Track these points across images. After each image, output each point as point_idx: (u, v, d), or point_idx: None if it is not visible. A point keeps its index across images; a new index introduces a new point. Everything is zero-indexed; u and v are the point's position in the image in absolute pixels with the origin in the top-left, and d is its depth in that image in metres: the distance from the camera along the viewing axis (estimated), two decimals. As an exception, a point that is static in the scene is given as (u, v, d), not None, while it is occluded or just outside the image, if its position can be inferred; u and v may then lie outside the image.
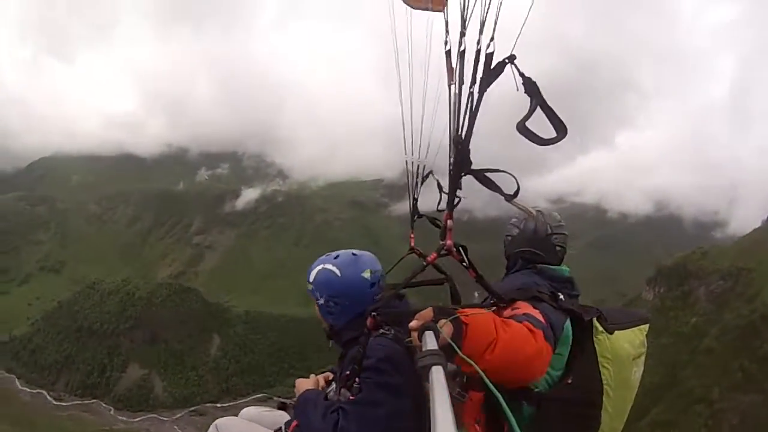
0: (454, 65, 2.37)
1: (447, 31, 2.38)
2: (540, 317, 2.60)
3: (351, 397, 2.91)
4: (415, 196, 4.59)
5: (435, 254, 2.65)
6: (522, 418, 2.76)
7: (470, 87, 2.24)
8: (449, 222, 2.55)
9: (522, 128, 2.12)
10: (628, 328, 3.17)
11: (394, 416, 2.91)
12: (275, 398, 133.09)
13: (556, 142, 2.15)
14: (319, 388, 3.33)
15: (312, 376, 3.47)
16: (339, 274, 3.27)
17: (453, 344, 2.09)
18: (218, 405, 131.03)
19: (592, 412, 2.93)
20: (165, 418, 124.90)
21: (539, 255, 3.52)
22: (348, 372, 2.97)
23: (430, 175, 4.37)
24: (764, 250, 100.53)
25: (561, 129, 2.15)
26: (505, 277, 3.60)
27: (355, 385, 2.92)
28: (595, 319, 3.00)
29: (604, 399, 2.93)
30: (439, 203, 4.03)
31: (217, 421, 3.58)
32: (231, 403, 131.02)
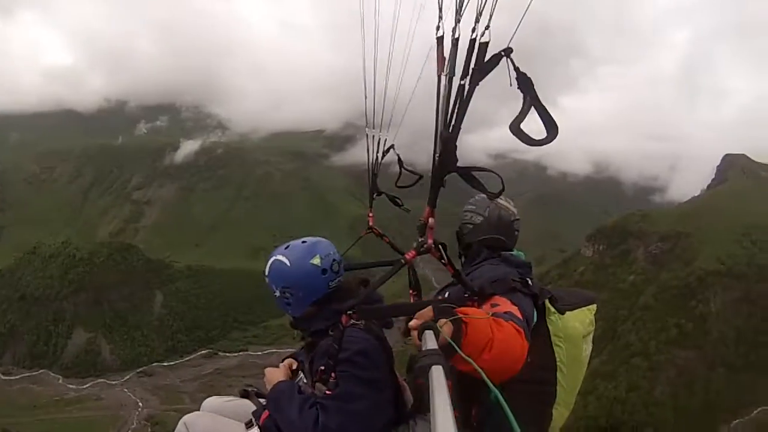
0: (446, 54, 2.19)
1: (440, 16, 2.20)
2: (519, 314, 2.68)
3: (328, 392, 2.91)
4: (375, 172, 4.47)
5: (414, 252, 2.60)
6: (489, 401, 2.79)
7: (461, 79, 2.10)
8: (431, 220, 2.50)
9: (515, 129, 2.05)
10: (578, 308, 3.29)
11: (373, 409, 2.97)
12: (220, 353, 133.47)
13: (548, 142, 2.08)
14: (288, 378, 3.28)
15: (281, 365, 3.42)
16: (288, 264, 3.19)
17: (453, 344, 2.07)
18: (165, 364, 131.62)
19: (548, 389, 3.10)
20: (114, 381, 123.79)
21: (503, 241, 3.59)
22: (323, 366, 2.95)
23: (391, 150, 4.35)
24: (703, 217, 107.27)
25: (552, 127, 2.08)
26: (471, 268, 3.49)
27: (331, 380, 2.91)
28: (547, 301, 3.14)
29: (558, 376, 3.10)
30: (398, 180, 4.22)
31: (185, 419, 3.44)
32: (178, 361, 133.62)
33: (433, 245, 2.57)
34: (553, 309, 3.13)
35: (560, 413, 3.19)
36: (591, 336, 3.37)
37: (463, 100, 2.12)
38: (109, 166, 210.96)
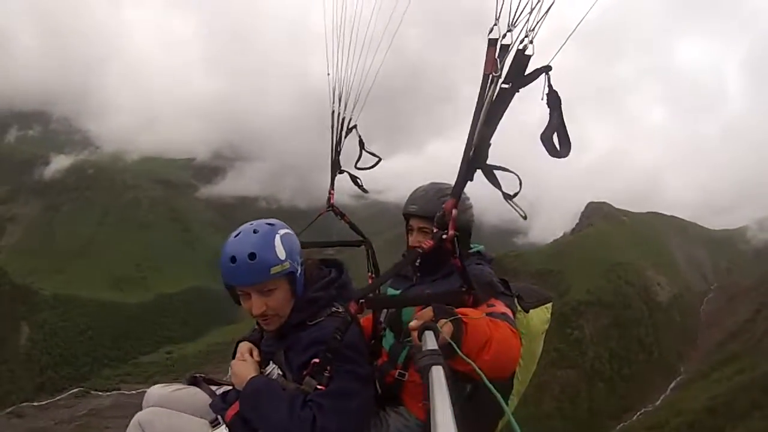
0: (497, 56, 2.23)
1: (497, 18, 2.19)
2: (511, 315, 2.89)
3: (319, 387, 2.66)
4: (338, 149, 4.36)
5: (432, 242, 2.54)
6: (462, 396, 2.85)
7: (503, 82, 2.19)
8: (454, 212, 2.46)
9: (547, 138, 2.20)
10: (538, 306, 3.39)
11: (366, 406, 2.85)
12: (92, 392, 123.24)
13: (563, 156, 2.21)
14: (259, 371, 2.94)
15: (248, 357, 3.08)
16: (291, 232, 2.95)
17: (453, 344, 2.13)
18: (35, 404, 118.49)
19: (508, 382, 3.18)
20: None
21: (469, 237, 3.60)
22: (317, 359, 2.68)
23: (354, 130, 4.29)
24: (572, 256, 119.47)
25: (566, 145, 2.21)
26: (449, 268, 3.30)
27: (325, 374, 2.67)
28: (515, 299, 3.24)
29: (516, 369, 3.06)
30: (358, 160, 4.20)
31: (139, 418, 3.06)
32: (49, 401, 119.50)
33: (453, 237, 2.52)
34: (519, 307, 3.21)
35: (513, 402, 3.31)
36: (544, 333, 3.49)
37: (503, 102, 2.21)
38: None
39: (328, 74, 4.19)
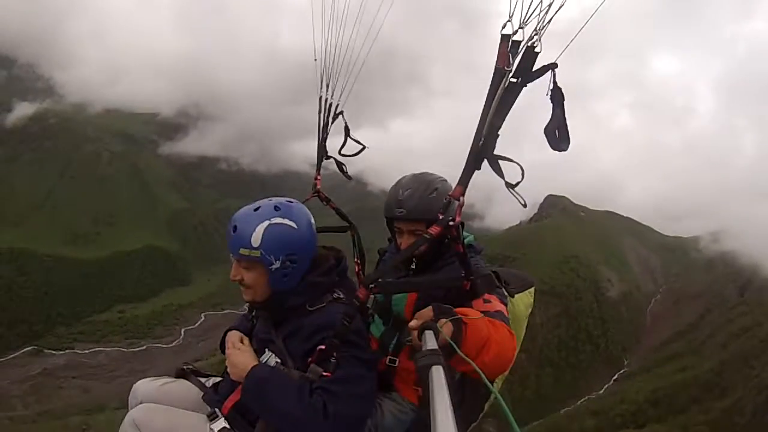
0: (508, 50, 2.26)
1: (510, 15, 2.20)
2: (506, 314, 2.90)
3: (325, 374, 2.64)
4: (326, 133, 4.29)
5: (439, 228, 2.55)
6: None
7: (512, 76, 2.23)
8: (462, 198, 2.46)
9: (550, 132, 2.26)
10: (523, 291, 3.48)
11: (372, 391, 2.86)
12: (46, 350, 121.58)
13: (563, 150, 2.28)
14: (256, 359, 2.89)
15: (242, 346, 2.99)
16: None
17: (453, 344, 2.14)
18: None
19: None
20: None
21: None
22: (324, 346, 2.66)
23: (341, 116, 4.23)
24: (528, 245, 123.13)
25: (566, 141, 2.27)
26: (442, 262, 3.37)
27: (332, 360, 2.66)
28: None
29: None
30: (342, 146, 4.23)
31: (134, 417, 2.90)
32: (2, 360, 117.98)
33: (459, 223, 2.58)
34: (505, 293, 3.20)
35: (497, 385, 3.34)
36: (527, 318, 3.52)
37: (512, 96, 2.24)
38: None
39: (315, 59, 4.14)
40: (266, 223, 2.76)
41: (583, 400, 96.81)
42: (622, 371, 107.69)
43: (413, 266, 3.37)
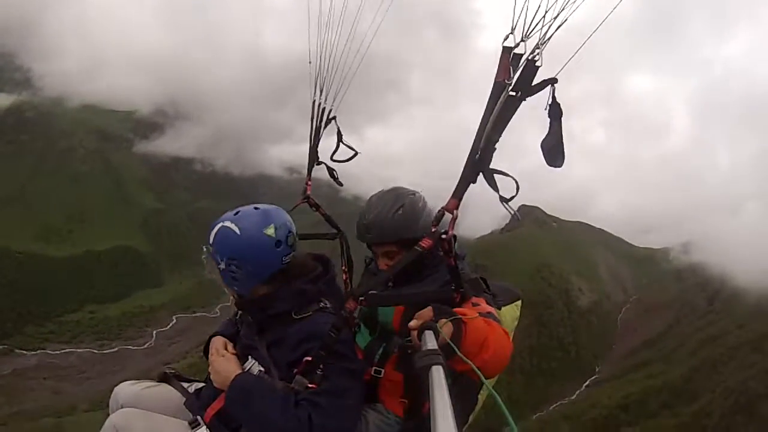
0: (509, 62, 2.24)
1: (513, 28, 2.20)
2: (497, 315, 2.84)
3: (311, 386, 2.61)
4: (318, 138, 4.24)
5: (431, 240, 2.53)
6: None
7: (511, 90, 2.21)
8: (455, 212, 2.42)
9: (546, 146, 2.29)
10: (509, 304, 3.42)
11: (360, 403, 2.83)
12: (16, 350, 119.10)
13: (557, 167, 2.31)
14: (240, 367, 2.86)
15: (226, 353, 2.98)
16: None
17: (453, 345, 2.14)
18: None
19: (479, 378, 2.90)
20: None
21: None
22: (310, 357, 2.63)
23: (333, 121, 4.21)
24: (500, 253, 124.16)
25: (560, 158, 2.30)
26: (425, 271, 3.32)
27: (318, 372, 2.62)
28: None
29: None
30: (334, 152, 4.20)
31: (114, 421, 2.91)
32: None
33: (452, 236, 2.55)
34: (491, 299, 3.15)
35: (482, 396, 3.27)
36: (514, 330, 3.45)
37: (511, 110, 2.24)
38: None
39: (310, 62, 4.10)
40: (220, 224, 2.86)
41: (555, 405, 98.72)
42: (593, 378, 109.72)
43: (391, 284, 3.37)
